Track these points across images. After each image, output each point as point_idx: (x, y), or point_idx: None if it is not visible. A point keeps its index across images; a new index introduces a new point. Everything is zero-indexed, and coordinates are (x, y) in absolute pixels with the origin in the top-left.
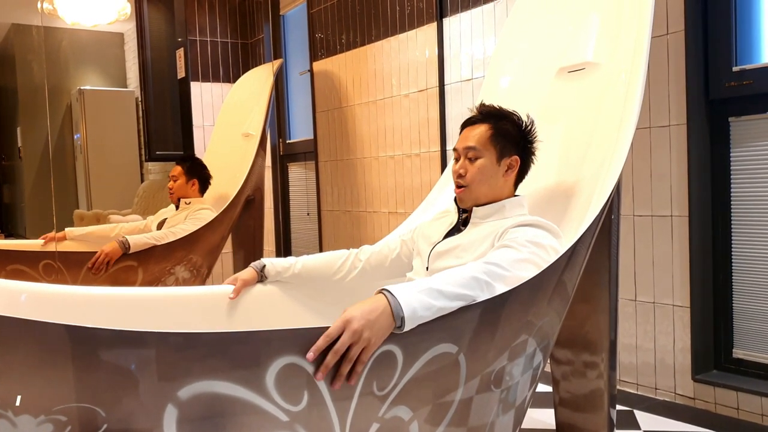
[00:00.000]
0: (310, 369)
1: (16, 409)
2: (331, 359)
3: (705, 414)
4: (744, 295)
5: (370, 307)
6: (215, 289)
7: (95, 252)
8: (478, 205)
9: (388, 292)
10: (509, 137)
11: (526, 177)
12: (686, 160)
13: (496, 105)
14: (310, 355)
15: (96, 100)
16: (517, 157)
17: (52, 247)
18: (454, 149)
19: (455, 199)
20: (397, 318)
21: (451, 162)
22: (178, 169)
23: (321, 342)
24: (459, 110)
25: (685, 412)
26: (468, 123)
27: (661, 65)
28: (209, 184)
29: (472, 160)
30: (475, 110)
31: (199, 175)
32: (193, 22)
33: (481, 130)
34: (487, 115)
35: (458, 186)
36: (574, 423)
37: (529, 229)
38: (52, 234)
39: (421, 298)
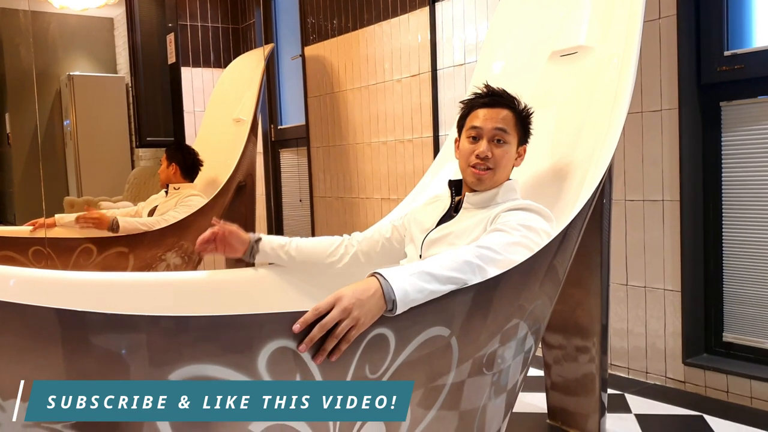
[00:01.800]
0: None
1: (4, 394)
2: (317, 332)
3: (695, 397)
4: (734, 279)
5: (361, 287)
6: (207, 275)
7: (85, 238)
8: (476, 190)
9: (380, 274)
10: (523, 126)
11: None
12: (678, 144)
13: (505, 90)
14: (296, 326)
15: (85, 86)
16: (525, 146)
17: (41, 234)
18: (474, 126)
19: (450, 183)
20: (389, 300)
21: (447, 143)
22: (163, 155)
23: (309, 315)
24: (452, 95)
25: (675, 396)
26: (489, 104)
27: (653, 49)
28: (199, 169)
29: (498, 143)
30: (483, 90)
31: (177, 159)
32: (183, 7)
33: (508, 115)
34: (509, 100)
35: (481, 168)
36: (566, 407)
37: (520, 213)
38: (41, 220)
39: (413, 281)
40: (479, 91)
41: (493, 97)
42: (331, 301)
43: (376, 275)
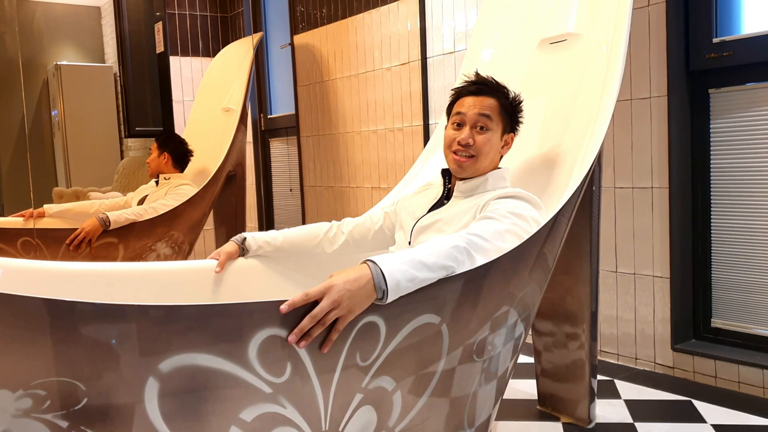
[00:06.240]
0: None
1: None
2: (306, 323)
3: (684, 382)
4: (723, 265)
5: (353, 276)
6: (197, 264)
7: (74, 228)
8: (464, 178)
9: (373, 263)
10: (510, 114)
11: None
12: (666, 131)
13: (494, 78)
14: (284, 307)
15: (73, 76)
16: (513, 134)
17: (30, 225)
18: (458, 113)
19: (443, 171)
20: (379, 290)
21: (438, 131)
22: (153, 144)
23: (299, 298)
24: (442, 83)
25: (664, 381)
26: (475, 92)
27: (642, 37)
28: (189, 159)
29: (480, 130)
30: (472, 78)
31: (169, 148)
32: None
33: (493, 102)
34: (495, 88)
35: (462, 155)
36: (556, 393)
37: (510, 201)
38: (30, 211)
39: (404, 270)
40: (469, 79)
41: (480, 85)
42: (322, 290)
43: (368, 263)
